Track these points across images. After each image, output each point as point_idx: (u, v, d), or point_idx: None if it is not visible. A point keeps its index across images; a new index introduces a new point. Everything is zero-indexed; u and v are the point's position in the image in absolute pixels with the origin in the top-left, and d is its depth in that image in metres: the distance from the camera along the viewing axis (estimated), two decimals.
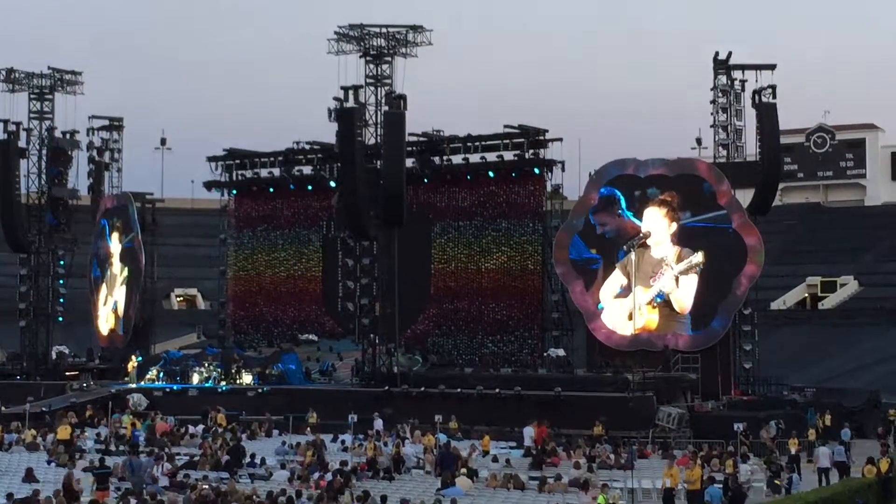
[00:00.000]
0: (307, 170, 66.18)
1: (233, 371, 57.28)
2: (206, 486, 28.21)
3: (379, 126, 55.52)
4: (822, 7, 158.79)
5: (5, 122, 63.96)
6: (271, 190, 67.78)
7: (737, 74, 55.62)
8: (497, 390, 50.64)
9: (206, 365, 58.05)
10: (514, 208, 60.59)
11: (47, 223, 66.28)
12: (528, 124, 59.73)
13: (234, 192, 68.95)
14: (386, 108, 55.13)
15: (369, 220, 55.38)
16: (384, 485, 31.59)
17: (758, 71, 54.72)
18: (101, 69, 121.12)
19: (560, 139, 59.35)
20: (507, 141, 59.84)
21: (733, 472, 32.44)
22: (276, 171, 66.75)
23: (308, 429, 46.20)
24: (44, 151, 66.09)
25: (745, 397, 53.23)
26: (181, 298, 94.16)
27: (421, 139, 61.60)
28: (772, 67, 54.43)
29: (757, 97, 54.27)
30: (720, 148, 56.56)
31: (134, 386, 58.03)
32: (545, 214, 59.71)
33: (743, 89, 55.51)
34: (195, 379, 57.43)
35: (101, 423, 48.59)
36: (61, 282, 66.77)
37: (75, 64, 69.76)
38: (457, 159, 61.58)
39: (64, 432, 39.97)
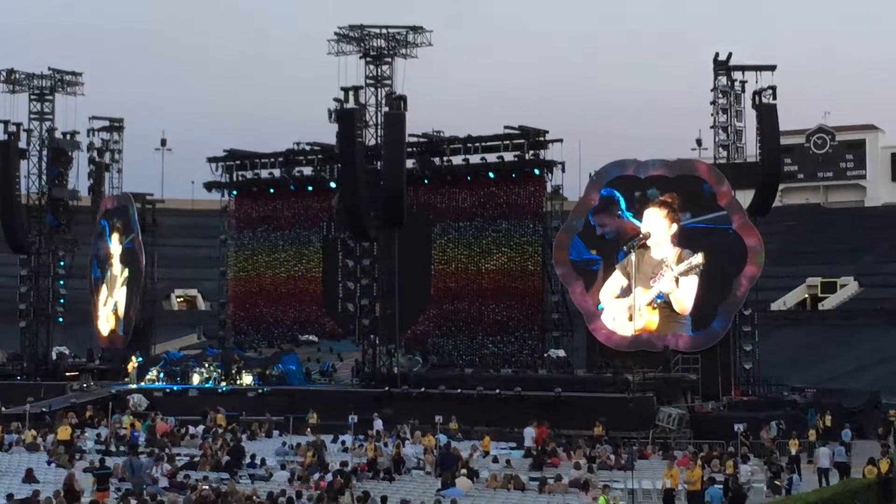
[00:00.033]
0: (307, 170, 66.21)
1: (233, 372, 57.28)
2: (207, 487, 28.20)
3: (379, 127, 55.54)
4: (822, 7, 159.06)
5: (6, 122, 63.97)
6: (271, 191, 67.79)
7: (737, 75, 55.64)
8: (497, 391, 50.66)
9: (207, 365, 58.06)
10: (514, 209, 60.60)
11: (48, 224, 66.28)
12: (529, 125, 59.76)
13: (235, 192, 68.97)
14: (386, 108, 55.14)
15: (369, 220, 55.39)
16: (384, 485, 31.57)
17: (758, 72, 54.74)
18: (101, 70, 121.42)
19: (560, 140, 59.46)
20: (508, 142, 59.85)
21: (733, 472, 32.44)
22: (277, 172, 66.76)
23: (308, 429, 46.19)
24: (44, 152, 66.08)
25: (746, 398, 53.23)
26: (181, 299, 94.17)
27: (421, 140, 61.63)
28: (772, 68, 54.45)
29: (757, 98, 54.29)
30: (720, 149, 56.56)
31: (134, 386, 58.02)
32: (545, 215, 59.72)
33: (743, 90, 55.54)
34: (195, 379, 57.43)
35: (101, 424, 48.57)
36: (61, 282, 66.76)
37: (75, 65, 69.93)
38: (457, 160, 61.62)
39: (64, 433, 39.96)
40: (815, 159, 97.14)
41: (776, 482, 33.32)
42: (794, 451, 39.32)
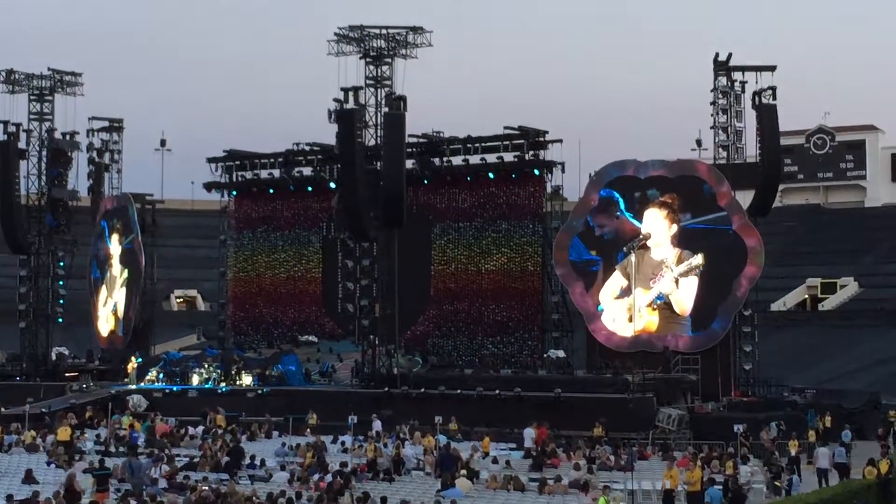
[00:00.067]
0: (307, 171, 66.20)
1: (233, 372, 57.27)
2: (206, 488, 28.18)
3: (379, 127, 55.52)
4: (823, 8, 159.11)
5: (5, 123, 63.95)
6: (271, 191, 67.76)
7: (737, 76, 55.64)
8: (497, 391, 50.64)
9: (206, 366, 58.03)
10: (514, 209, 60.57)
11: (47, 224, 66.25)
12: (528, 125, 59.75)
13: (234, 193, 68.95)
14: (386, 109, 55.13)
15: (369, 221, 55.37)
16: (384, 486, 31.54)
17: (758, 72, 54.74)
18: (101, 70, 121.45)
19: (560, 140, 59.43)
20: (507, 142, 59.81)
21: (733, 473, 32.42)
22: (276, 173, 66.72)
23: (308, 430, 46.16)
24: (44, 153, 66.05)
25: (746, 399, 53.22)
26: (181, 300, 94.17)
27: (421, 140, 61.61)
28: (772, 69, 54.45)
29: (757, 98, 54.29)
30: (720, 149, 56.55)
31: (134, 387, 57.99)
32: (545, 216, 59.69)
33: (743, 91, 55.53)
34: (195, 380, 57.41)
35: (100, 425, 48.53)
36: (61, 283, 66.74)
37: (75, 65, 69.96)
38: (457, 160, 61.61)
39: (64, 433, 39.94)
40: (815, 160, 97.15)
41: (776, 483, 33.33)
42: (793, 452, 39.31)
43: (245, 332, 68.05)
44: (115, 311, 67.39)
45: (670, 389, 51.15)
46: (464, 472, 32.16)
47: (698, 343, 53.67)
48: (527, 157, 59.40)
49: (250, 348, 64.17)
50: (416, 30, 56.17)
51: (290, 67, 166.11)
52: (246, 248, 68.88)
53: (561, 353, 56.06)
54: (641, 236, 54.18)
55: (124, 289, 66.89)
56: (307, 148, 65.75)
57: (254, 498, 27.29)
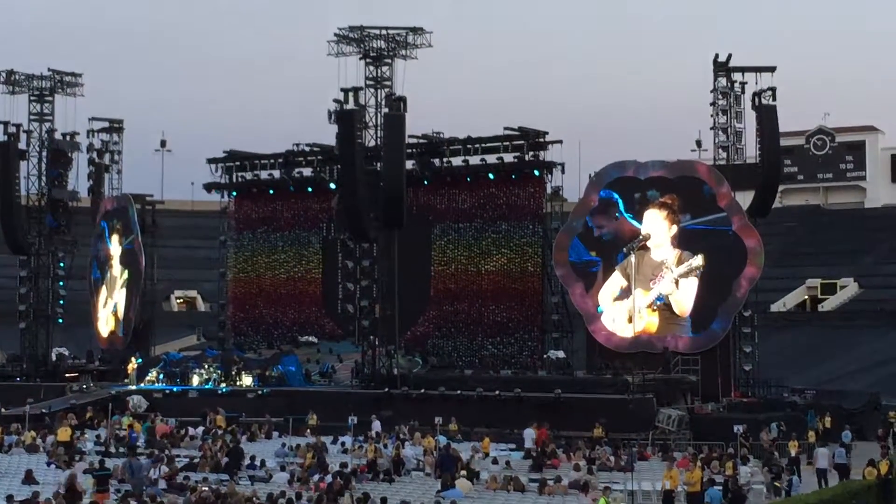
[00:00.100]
0: (307, 172, 66.22)
1: (233, 373, 57.27)
2: (206, 489, 28.19)
3: (379, 128, 55.53)
4: (823, 9, 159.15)
5: (5, 123, 63.96)
6: (271, 192, 67.77)
7: (737, 76, 55.63)
8: (497, 392, 50.66)
9: (206, 367, 58.03)
10: (514, 210, 60.57)
11: (47, 225, 66.26)
12: (528, 126, 59.77)
13: (234, 193, 68.97)
14: (386, 110, 55.14)
15: (369, 221, 55.38)
16: (384, 487, 31.53)
17: (758, 73, 54.74)
18: (101, 70, 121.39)
19: (560, 141, 59.46)
20: (507, 143, 59.81)
21: (733, 474, 32.42)
22: (276, 173, 66.73)
23: (308, 430, 46.17)
24: (44, 153, 66.06)
25: (745, 399, 53.23)
26: (181, 300, 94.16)
27: (421, 141, 61.61)
28: (772, 69, 54.46)
29: (757, 99, 54.31)
30: (720, 150, 56.56)
31: (134, 388, 57.99)
32: (545, 216, 59.68)
33: (743, 91, 55.53)
34: (195, 381, 57.41)
35: (100, 425, 48.53)
36: (61, 283, 66.76)
37: (75, 65, 69.97)
38: (457, 161, 61.61)
39: (64, 434, 39.95)
40: (815, 160, 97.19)
41: (776, 483, 33.33)
42: (793, 453, 39.33)
43: (245, 333, 68.07)
44: (115, 312, 67.39)
45: (670, 390, 51.16)
46: (464, 472, 32.16)
47: (698, 344, 53.68)
48: (527, 157, 59.41)
49: (250, 349, 64.20)
50: (416, 30, 56.19)
51: (290, 67, 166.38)
52: (246, 249, 68.90)
53: (561, 354, 56.07)
54: (641, 237, 54.17)
55: (124, 289, 66.89)
56: (307, 149, 65.78)
57: (254, 498, 27.31)
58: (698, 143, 79.04)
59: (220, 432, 43.51)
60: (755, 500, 32.13)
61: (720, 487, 30.51)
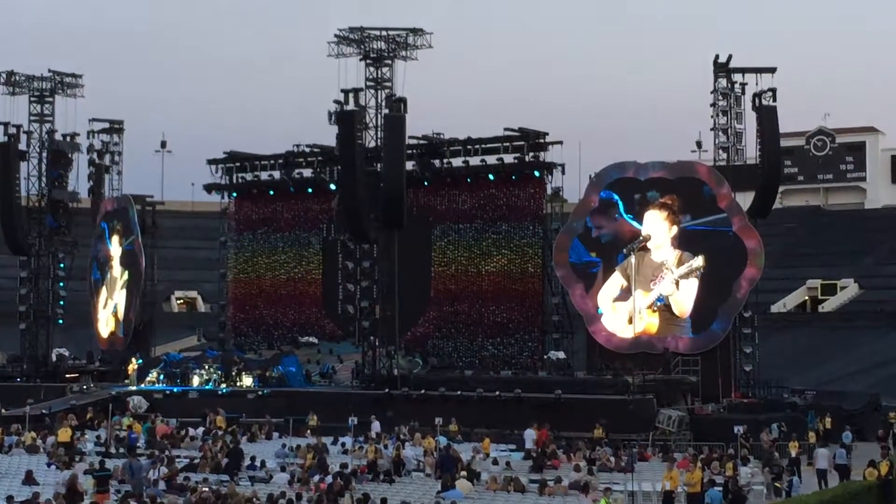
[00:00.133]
0: (307, 172, 66.21)
1: (233, 373, 57.28)
2: (206, 489, 28.20)
3: (379, 129, 55.54)
4: (823, 9, 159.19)
5: (6, 124, 64.03)
6: (271, 192, 67.75)
7: (737, 77, 55.65)
8: (497, 393, 50.66)
9: (207, 367, 58.03)
10: (514, 211, 60.56)
11: (47, 226, 66.30)
12: (528, 126, 59.78)
13: (235, 194, 68.97)
14: (386, 110, 55.17)
15: (369, 222, 55.40)
16: (384, 487, 31.54)
17: (758, 74, 54.76)
18: (101, 70, 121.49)
19: (560, 142, 59.45)
20: (507, 144, 59.83)
21: (733, 474, 32.43)
22: (277, 174, 66.73)
23: (308, 431, 46.17)
24: (44, 154, 66.11)
25: (746, 400, 53.24)
26: (181, 301, 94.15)
27: (421, 142, 61.61)
28: (772, 70, 54.49)
29: (757, 100, 54.33)
30: (720, 151, 56.57)
31: (134, 388, 57.99)
32: (545, 217, 59.67)
33: (743, 92, 55.56)
34: (195, 381, 57.41)
35: (101, 426, 48.53)
36: (61, 284, 66.80)
37: (75, 65, 69.97)
38: (457, 162, 61.59)
39: (64, 435, 39.97)
40: (815, 161, 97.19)
41: (777, 484, 33.34)
42: (794, 454, 39.34)
43: (245, 334, 68.07)
44: (115, 313, 67.38)
45: (670, 391, 51.16)
46: (464, 473, 32.16)
47: (698, 344, 53.67)
48: (527, 158, 59.41)
49: (251, 349, 64.21)
50: (416, 31, 56.21)
51: (290, 68, 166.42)
52: (246, 250, 68.90)
53: (561, 355, 56.07)
54: (641, 238, 54.15)
55: (124, 290, 66.88)
56: (307, 149, 65.78)
57: (254, 499, 27.32)
58: (698, 144, 79.04)
59: (220, 433, 43.53)
60: (755, 501, 32.15)
61: (720, 488, 30.52)
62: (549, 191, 59.49)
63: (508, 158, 59.70)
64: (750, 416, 47.94)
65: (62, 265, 66.90)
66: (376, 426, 45.57)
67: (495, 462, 37.01)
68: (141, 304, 66.35)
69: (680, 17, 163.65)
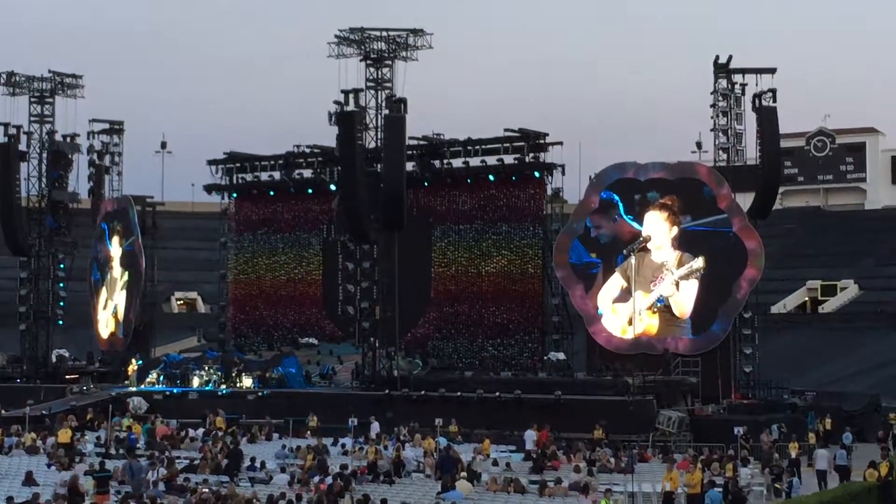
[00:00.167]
0: (307, 173, 66.20)
1: (233, 374, 57.26)
2: (206, 490, 28.21)
3: (379, 129, 55.54)
4: (823, 9, 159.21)
5: (6, 125, 64.05)
6: (272, 193, 67.75)
7: (737, 78, 55.64)
8: (497, 394, 50.64)
9: (207, 368, 58.02)
10: (514, 212, 60.54)
11: (47, 226, 66.32)
12: (529, 127, 59.77)
13: (235, 195, 68.97)
14: (386, 111, 55.17)
15: (369, 223, 55.40)
16: (384, 488, 31.56)
17: (758, 75, 54.75)
18: (101, 70, 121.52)
19: (560, 143, 59.46)
20: (508, 144, 59.86)
21: (733, 475, 32.43)
22: (277, 175, 66.72)
23: (308, 432, 46.17)
24: (44, 155, 66.14)
25: (746, 401, 53.23)
26: (181, 302, 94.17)
27: (421, 143, 61.59)
28: (772, 71, 54.49)
29: (757, 101, 54.32)
30: (720, 151, 56.56)
31: (134, 389, 57.97)
32: (545, 218, 59.65)
33: (743, 93, 55.56)
34: (195, 382, 57.40)
35: (101, 427, 48.51)
36: (61, 285, 66.83)
37: (75, 65, 69.94)
38: (457, 163, 61.58)
39: (64, 436, 39.97)
40: (816, 162, 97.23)
41: (777, 485, 33.34)
42: (794, 455, 39.32)
43: (245, 335, 68.07)
44: (115, 314, 67.38)
45: (670, 392, 51.15)
46: (464, 474, 32.17)
47: (698, 345, 53.65)
48: (527, 159, 59.40)
49: (250, 350, 64.21)
50: (417, 32, 56.19)
51: (290, 68, 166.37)
52: (246, 251, 68.89)
53: (561, 356, 56.04)
54: (641, 239, 54.13)
55: (124, 291, 66.88)
56: (307, 150, 65.78)
57: (254, 500, 27.33)
58: (699, 145, 79.17)
59: (220, 434, 43.53)
60: (755, 502, 32.16)
61: (720, 489, 30.50)
62: (549, 191, 59.48)
63: (508, 159, 59.71)
64: (750, 417, 47.94)
65: (62, 266, 66.92)
66: (376, 427, 45.56)
67: (495, 463, 37.02)
68: (141, 304, 66.34)
69: (680, 17, 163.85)
